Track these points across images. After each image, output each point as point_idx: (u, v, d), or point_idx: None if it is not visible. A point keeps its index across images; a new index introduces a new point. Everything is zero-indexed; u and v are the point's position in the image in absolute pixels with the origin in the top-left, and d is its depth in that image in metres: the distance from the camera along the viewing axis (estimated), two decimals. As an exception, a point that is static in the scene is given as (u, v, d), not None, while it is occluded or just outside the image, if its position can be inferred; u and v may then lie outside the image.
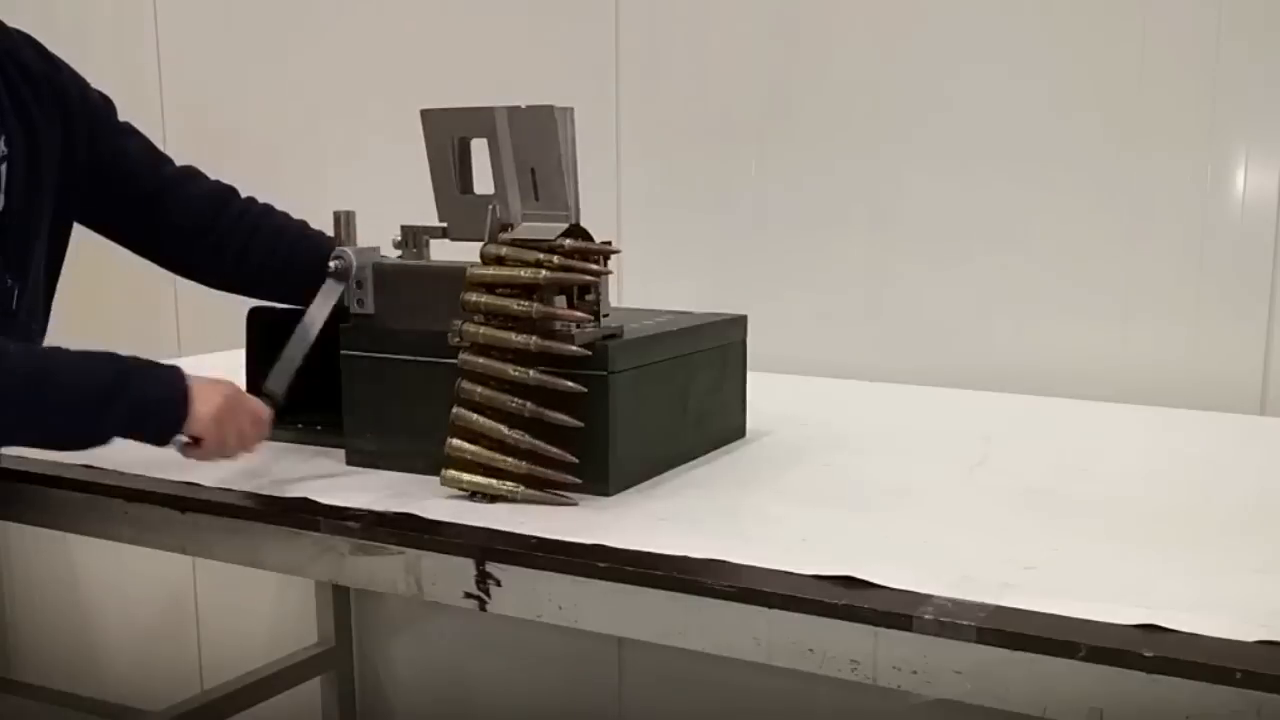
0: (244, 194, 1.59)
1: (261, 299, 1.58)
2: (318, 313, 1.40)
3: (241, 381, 1.55)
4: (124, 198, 1.51)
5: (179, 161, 1.58)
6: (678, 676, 2.16)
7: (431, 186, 1.41)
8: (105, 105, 1.52)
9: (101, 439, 1.28)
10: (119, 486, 1.36)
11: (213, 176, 1.60)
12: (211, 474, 1.36)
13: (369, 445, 1.40)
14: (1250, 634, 0.89)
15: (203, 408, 1.26)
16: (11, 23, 1.44)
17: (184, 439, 1.28)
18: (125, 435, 1.26)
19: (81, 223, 1.51)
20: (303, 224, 1.59)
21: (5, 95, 1.33)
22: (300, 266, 1.50)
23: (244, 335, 1.57)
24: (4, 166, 1.30)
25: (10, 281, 1.31)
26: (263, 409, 1.34)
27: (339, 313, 1.42)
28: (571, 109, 1.29)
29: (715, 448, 1.49)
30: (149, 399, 1.25)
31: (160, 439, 1.27)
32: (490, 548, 1.14)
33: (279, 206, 1.60)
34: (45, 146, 1.36)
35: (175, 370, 1.28)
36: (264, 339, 1.56)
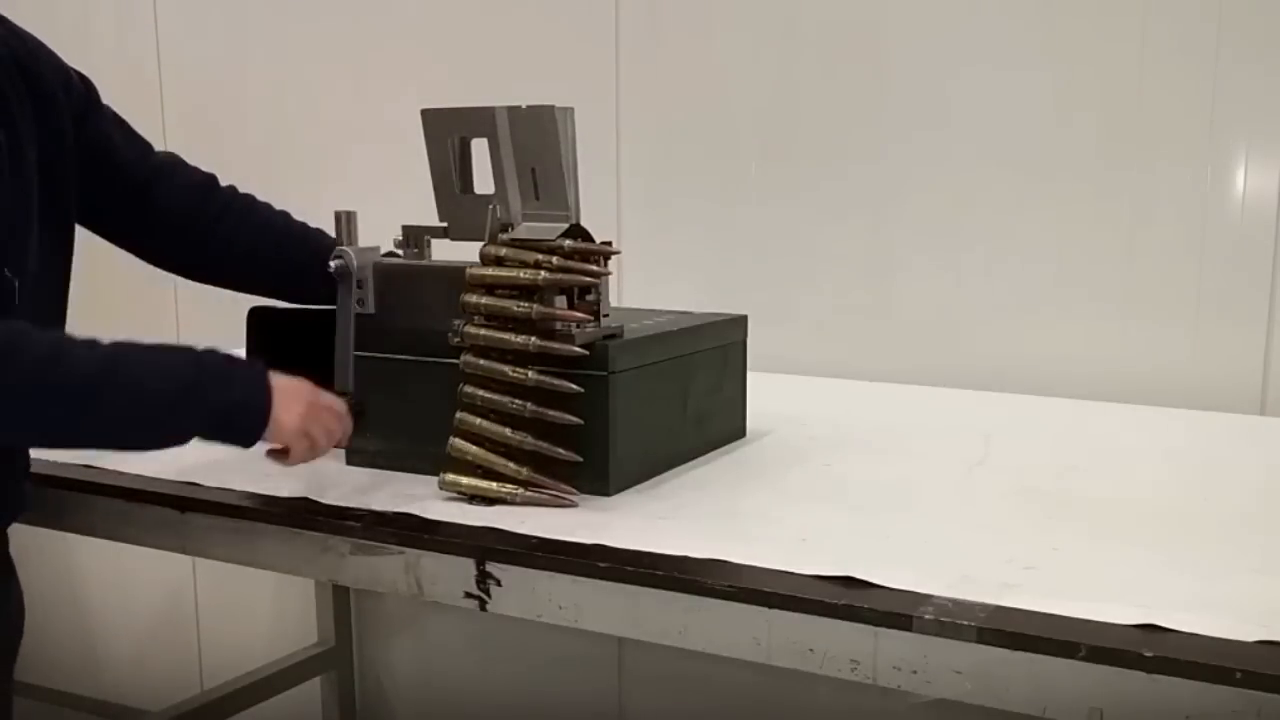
0: (238, 191, 1.55)
1: (246, 291, 1.55)
2: (345, 315, 1.40)
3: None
4: (113, 189, 1.45)
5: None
6: (678, 676, 2.17)
7: (432, 186, 1.41)
8: (88, 88, 1.45)
9: (177, 442, 1.22)
10: (119, 486, 1.36)
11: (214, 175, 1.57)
12: (211, 474, 1.36)
13: (369, 445, 1.40)
14: (1250, 634, 0.89)
15: (286, 417, 1.21)
16: (12, 20, 1.42)
17: (268, 446, 1.24)
18: (204, 438, 1.21)
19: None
20: (285, 215, 1.55)
21: None
22: (287, 258, 1.48)
23: (244, 335, 1.57)
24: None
25: (9, 274, 1.29)
26: (340, 403, 1.30)
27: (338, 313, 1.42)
28: (571, 109, 1.29)
29: (715, 448, 1.49)
30: (229, 405, 1.19)
31: (243, 443, 1.22)
32: (490, 548, 1.14)
33: (279, 206, 1.60)
34: (25, 137, 1.30)
35: (257, 375, 1.22)
36: (264, 339, 1.56)
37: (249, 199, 1.55)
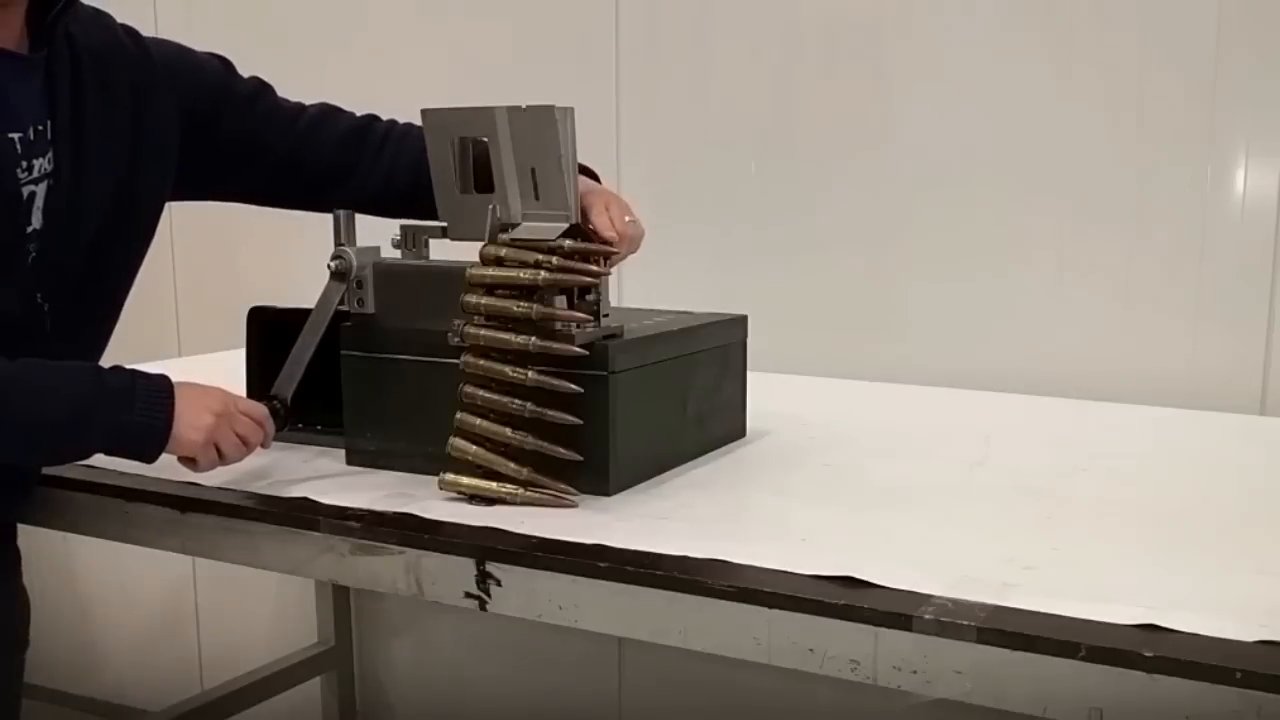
0: (397, 123, 1.55)
1: (420, 218, 1.49)
2: (321, 314, 1.40)
3: (241, 381, 1.56)
4: (260, 169, 1.48)
5: None
6: (678, 676, 2.16)
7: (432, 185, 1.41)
8: (224, 78, 1.47)
9: (77, 458, 1.27)
10: (119, 486, 1.36)
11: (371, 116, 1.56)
12: (211, 474, 1.36)
13: (369, 445, 1.40)
14: (1250, 634, 0.89)
15: (189, 434, 1.23)
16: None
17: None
18: (107, 453, 1.25)
19: (208, 199, 1.50)
20: None
21: (68, 110, 1.29)
22: None
23: (244, 335, 1.57)
24: (44, 185, 1.27)
25: (40, 300, 1.30)
26: (259, 410, 1.33)
27: (339, 313, 1.42)
28: (571, 109, 1.28)
29: (715, 448, 1.49)
30: (126, 424, 1.21)
31: (143, 460, 1.25)
32: (490, 548, 1.14)
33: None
34: (97, 166, 1.31)
35: (159, 393, 1.23)
36: (264, 339, 1.56)
37: (406, 128, 1.53)
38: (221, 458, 1.28)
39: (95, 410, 1.20)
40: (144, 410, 1.22)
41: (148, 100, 1.38)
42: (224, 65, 1.49)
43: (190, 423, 1.24)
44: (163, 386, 1.24)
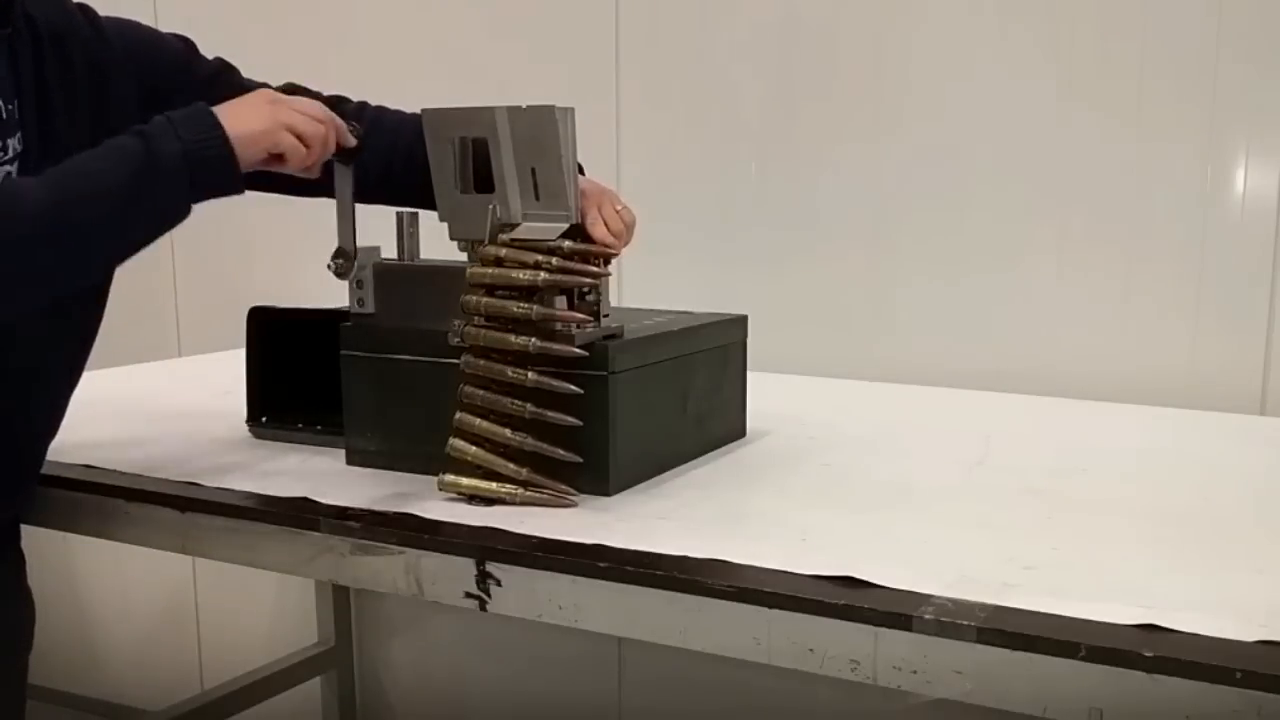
0: (367, 105, 1.52)
1: (400, 204, 1.46)
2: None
3: (241, 381, 1.56)
4: None
5: None
6: (678, 676, 2.17)
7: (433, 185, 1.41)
8: (185, 58, 1.44)
9: (171, 216, 1.19)
10: (119, 486, 1.36)
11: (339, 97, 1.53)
12: (211, 474, 1.36)
13: (369, 445, 1.40)
14: (1250, 634, 0.89)
15: (250, 125, 1.19)
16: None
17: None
18: (195, 195, 1.18)
19: None
20: (416, 119, 1.46)
21: (32, 90, 1.28)
22: (417, 167, 1.40)
23: (244, 335, 1.57)
24: (16, 166, 1.26)
25: None
26: (311, 102, 1.27)
27: (339, 313, 1.42)
28: (571, 109, 1.29)
29: (715, 448, 1.49)
30: (186, 145, 1.15)
31: (228, 177, 1.19)
32: (490, 548, 1.14)
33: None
34: (65, 145, 1.28)
35: (201, 112, 1.18)
36: (264, 339, 1.56)
37: (378, 111, 1.51)
38: (305, 138, 1.22)
39: (150, 153, 1.15)
40: (190, 128, 1.17)
41: (107, 79, 1.35)
42: (185, 45, 1.46)
43: (244, 118, 1.19)
44: (199, 107, 1.20)
